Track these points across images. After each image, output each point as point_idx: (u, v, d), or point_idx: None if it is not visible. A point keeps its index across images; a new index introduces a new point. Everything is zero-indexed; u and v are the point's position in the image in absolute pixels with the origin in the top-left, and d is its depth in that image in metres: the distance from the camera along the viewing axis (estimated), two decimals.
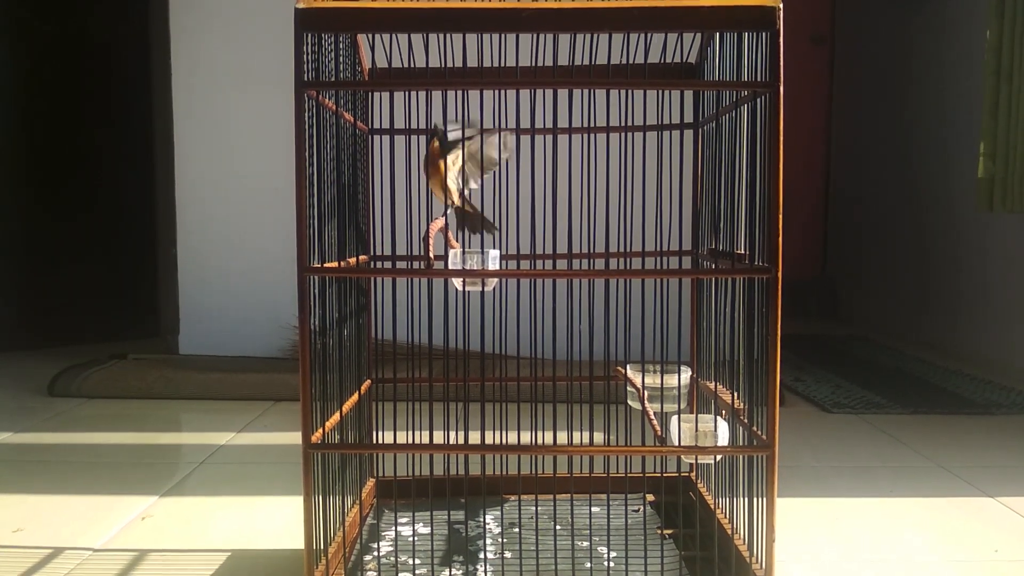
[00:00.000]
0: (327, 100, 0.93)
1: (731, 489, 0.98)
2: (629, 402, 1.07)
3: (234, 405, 1.97)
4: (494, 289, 1.03)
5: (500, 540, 1.07)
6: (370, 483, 1.18)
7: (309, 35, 0.85)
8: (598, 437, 1.36)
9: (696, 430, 0.90)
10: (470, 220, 1.07)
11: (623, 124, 1.06)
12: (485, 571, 0.97)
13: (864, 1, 3.50)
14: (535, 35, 0.93)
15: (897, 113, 3.20)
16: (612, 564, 0.99)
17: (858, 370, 2.44)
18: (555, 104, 0.99)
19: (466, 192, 1.04)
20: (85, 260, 2.83)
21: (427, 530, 1.09)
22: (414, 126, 1.11)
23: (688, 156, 1.12)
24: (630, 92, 1.04)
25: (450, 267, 0.96)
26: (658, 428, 0.98)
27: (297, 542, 1.11)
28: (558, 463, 1.21)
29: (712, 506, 1.08)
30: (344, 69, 0.99)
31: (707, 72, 1.08)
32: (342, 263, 0.98)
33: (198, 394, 2.05)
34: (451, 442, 1.19)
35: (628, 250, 1.09)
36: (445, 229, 1.01)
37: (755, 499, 0.90)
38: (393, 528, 1.09)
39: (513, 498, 1.19)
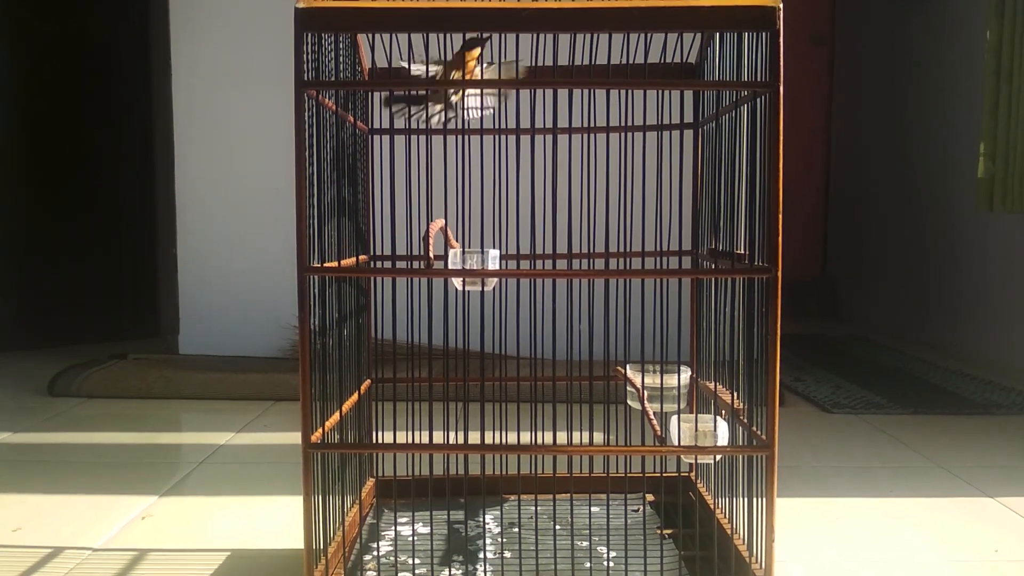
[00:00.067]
0: (327, 100, 0.93)
1: (731, 489, 0.98)
2: (629, 402, 1.07)
3: (234, 405, 1.98)
4: (494, 289, 1.03)
5: (500, 540, 1.07)
6: (370, 483, 1.18)
7: (309, 35, 0.85)
8: (598, 437, 1.36)
9: (696, 430, 0.90)
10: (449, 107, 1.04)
11: (623, 124, 1.06)
12: (485, 571, 0.97)
13: (864, 1, 3.50)
14: (535, 35, 0.93)
15: (897, 113, 3.20)
16: (612, 564, 0.99)
17: (858, 370, 2.44)
18: (555, 104, 0.99)
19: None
20: (85, 260, 2.83)
21: (427, 530, 1.09)
22: (413, 126, 1.11)
23: (688, 156, 1.12)
24: (630, 92, 1.04)
25: (450, 267, 0.96)
26: (658, 428, 0.98)
27: (297, 542, 1.11)
28: (558, 463, 1.21)
29: (712, 506, 1.08)
30: (344, 69, 0.99)
31: (707, 72, 1.08)
32: (342, 263, 0.98)
33: (198, 394, 2.05)
34: (451, 442, 1.19)
35: (628, 250, 1.09)
36: (445, 229, 1.01)
37: (755, 499, 0.90)
38: (393, 528, 1.09)
39: (513, 498, 1.19)
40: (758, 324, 0.87)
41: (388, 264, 1.14)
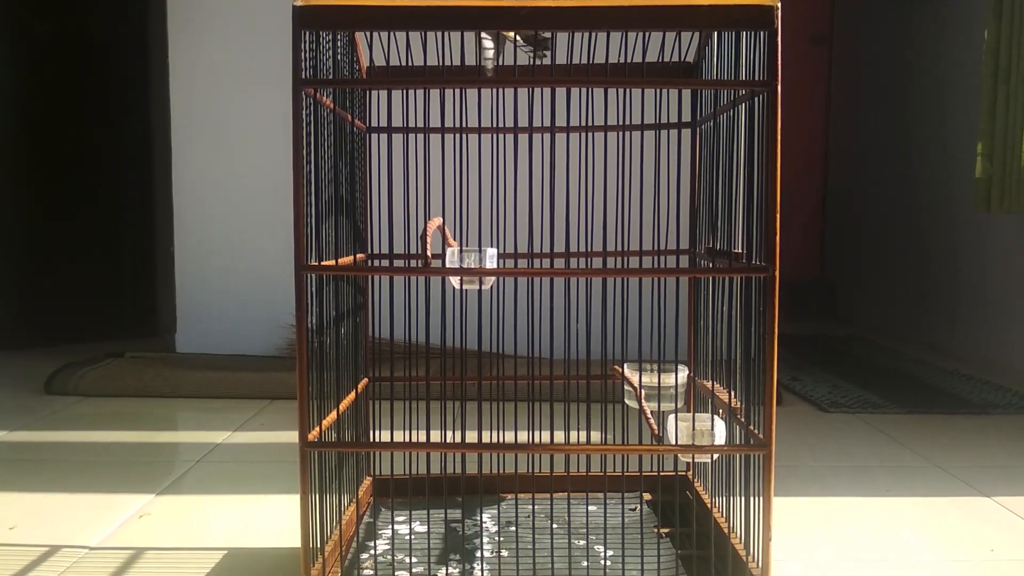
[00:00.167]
0: (325, 98, 0.93)
1: (728, 488, 0.98)
2: (626, 401, 1.07)
3: (231, 403, 1.97)
4: (491, 288, 1.03)
5: (497, 539, 1.07)
6: (367, 481, 1.18)
7: (307, 33, 0.85)
8: (595, 436, 1.36)
9: (693, 429, 0.90)
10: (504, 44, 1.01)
11: (621, 123, 1.06)
12: (482, 570, 0.97)
13: (864, 1, 3.50)
14: (535, 33, 0.93)
15: (896, 113, 3.20)
16: (609, 563, 0.99)
17: (856, 370, 2.44)
18: (553, 103, 0.99)
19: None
20: (83, 259, 2.82)
21: (424, 529, 1.09)
22: (412, 124, 1.11)
23: (686, 155, 1.12)
24: (628, 91, 1.04)
25: (447, 265, 0.96)
26: (655, 427, 0.98)
27: (294, 540, 1.11)
28: (555, 462, 1.21)
29: (709, 505, 1.08)
30: (342, 67, 0.99)
31: (705, 71, 1.08)
32: (339, 261, 0.98)
33: (195, 392, 2.05)
34: (448, 441, 1.19)
35: (626, 249, 1.09)
36: (443, 227, 1.01)
37: (752, 498, 0.90)
38: (390, 526, 1.09)
39: (510, 497, 1.19)
40: (756, 323, 0.87)
41: (386, 262, 1.14)
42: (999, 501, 1.33)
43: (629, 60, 1.04)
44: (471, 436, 1.10)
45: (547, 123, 1.02)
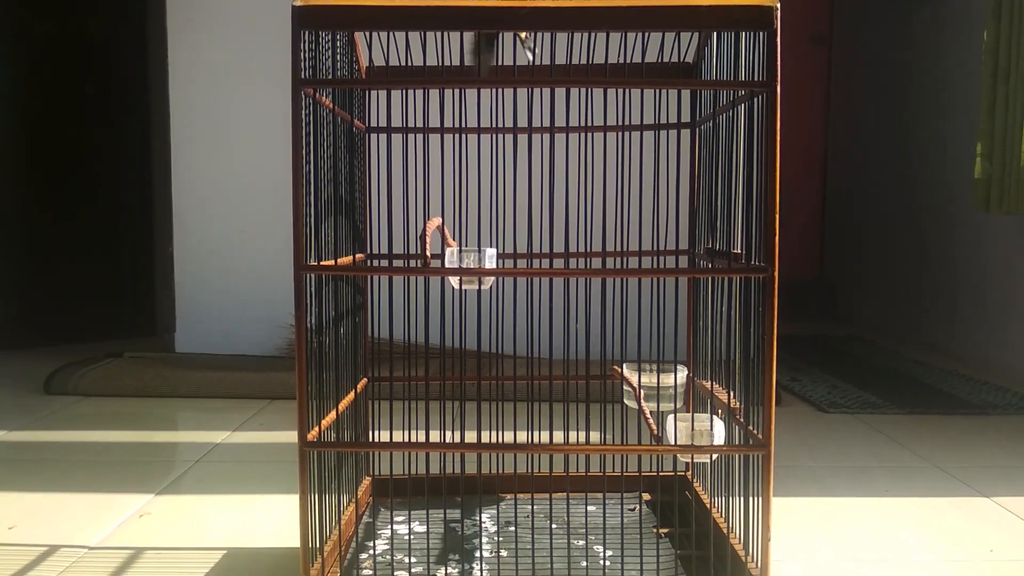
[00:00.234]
0: (324, 98, 0.93)
1: (727, 488, 0.98)
2: (625, 401, 1.07)
3: (230, 403, 1.97)
4: (491, 288, 1.03)
5: (496, 539, 1.07)
6: (366, 481, 1.18)
7: (306, 32, 0.85)
8: (594, 436, 1.36)
9: (692, 429, 0.90)
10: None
11: (620, 123, 1.06)
12: (481, 570, 0.97)
13: (863, 2, 3.50)
14: (533, 33, 0.93)
15: (896, 114, 3.20)
16: (608, 563, 0.99)
17: (855, 370, 2.44)
18: (553, 103, 0.99)
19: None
20: (83, 259, 2.82)
21: (423, 529, 1.09)
22: (411, 124, 1.11)
23: (685, 155, 1.12)
24: (627, 91, 1.04)
25: (447, 265, 0.96)
26: (654, 427, 0.98)
27: (293, 540, 1.11)
28: (554, 462, 1.21)
29: (708, 505, 1.08)
30: (341, 67, 0.99)
31: (705, 71, 1.08)
32: (338, 261, 0.98)
33: (194, 392, 2.05)
34: (447, 441, 1.19)
35: (625, 249, 1.09)
36: (442, 227, 1.01)
37: (751, 498, 0.90)
38: (389, 526, 1.09)
39: (509, 497, 1.19)
40: (755, 323, 0.87)
41: (385, 262, 1.14)
42: (998, 501, 1.33)
43: (628, 60, 1.04)
44: (470, 436, 1.10)
45: (546, 123, 1.02)
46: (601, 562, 1.00)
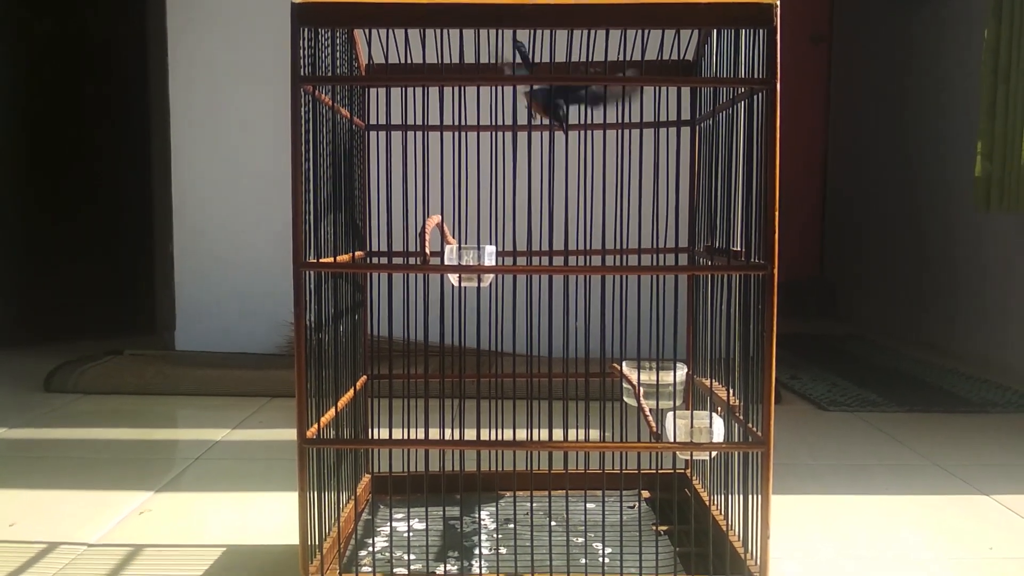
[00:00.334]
0: (324, 95, 0.93)
1: (726, 486, 0.99)
2: (625, 399, 1.07)
3: (230, 401, 1.97)
4: (490, 285, 1.03)
5: (495, 536, 1.07)
6: (365, 479, 1.18)
7: (306, 30, 0.85)
8: (594, 433, 1.36)
9: (691, 427, 0.91)
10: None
11: (620, 121, 1.06)
12: (480, 567, 0.97)
13: (863, 1, 3.50)
14: (533, 31, 0.93)
15: (896, 113, 3.20)
16: (607, 560, 0.99)
17: (855, 369, 2.44)
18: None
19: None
20: (83, 257, 2.82)
21: (422, 526, 1.09)
22: (411, 122, 1.11)
23: (685, 153, 1.12)
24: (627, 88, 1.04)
25: (446, 263, 0.96)
26: (653, 424, 0.98)
27: (292, 537, 1.11)
28: (554, 459, 1.21)
29: (707, 503, 1.08)
30: (341, 64, 0.99)
31: (705, 69, 1.08)
32: (338, 259, 0.98)
33: (194, 390, 2.05)
34: (447, 438, 1.19)
35: (624, 247, 1.09)
36: (441, 225, 1.01)
37: (750, 496, 0.90)
38: (388, 524, 1.09)
39: (508, 494, 1.19)
40: (754, 321, 0.87)
41: (384, 260, 1.14)
42: (998, 499, 1.33)
43: (629, 57, 1.04)
44: (470, 434, 1.10)
45: (546, 121, 1.02)
46: (600, 559, 1.00)
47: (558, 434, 1.08)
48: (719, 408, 0.97)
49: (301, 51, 0.84)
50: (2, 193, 2.66)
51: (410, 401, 1.10)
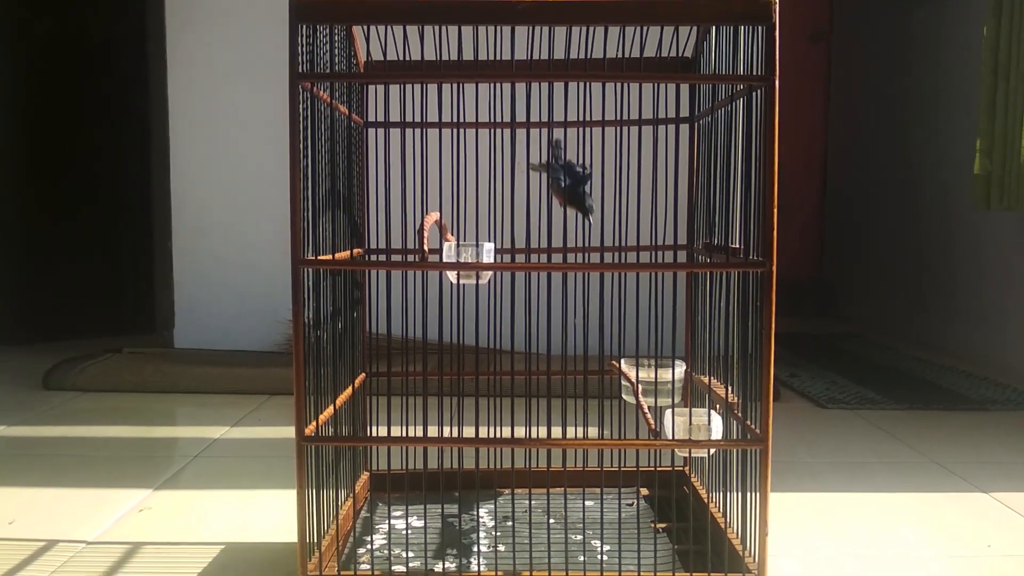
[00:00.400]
0: (322, 92, 0.93)
1: (725, 483, 0.98)
2: (623, 396, 1.07)
3: (229, 399, 1.97)
4: (489, 282, 1.03)
5: (494, 533, 1.07)
6: (364, 476, 1.18)
7: (304, 27, 0.85)
8: (592, 431, 1.36)
9: (690, 424, 0.90)
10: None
11: (619, 118, 1.06)
12: (478, 564, 0.97)
13: None
14: (531, 28, 0.93)
15: (895, 111, 3.20)
16: (605, 557, 0.99)
17: (853, 367, 2.44)
18: (550, 97, 0.99)
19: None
20: (82, 256, 2.82)
21: (421, 523, 1.09)
22: (409, 119, 1.11)
23: (684, 150, 1.12)
24: (626, 86, 1.04)
25: (445, 260, 0.96)
26: (652, 422, 0.98)
27: (291, 535, 1.11)
28: (552, 457, 1.21)
29: (705, 500, 1.08)
30: (339, 61, 0.99)
31: (703, 66, 1.08)
32: (336, 256, 0.98)
33: (193, 388, 2.05)
34: (445, 436, 1.19)
35: (623, 244, 1.09)
36: (440, 222, 1.01)
37: (748, 493, 0.90)
38: (387, 521, 1.09)
39: (507, 492, 1.19)
40: (753, 318, 0.87)
41: (383, 257, 1.13)
42: (996, 497, 1.33)
43: (627, 55, 1.04)
44: (468, 431, 1.10)
45: (545, 118, 1.02)
46: (599, 557, 1.00)
47: (557, 432, 1.08)
48: (718, 405, 0.97)
49: (299, 48, 0.84)
50: (2, 193, 2.66)
51: (409, 399, 1.10)
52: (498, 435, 1.13)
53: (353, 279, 1.10)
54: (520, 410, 1.12)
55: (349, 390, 1.05)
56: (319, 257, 0.92)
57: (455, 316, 1.01)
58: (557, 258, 1.13)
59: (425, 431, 1.02)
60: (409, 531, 1.06)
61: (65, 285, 2.77)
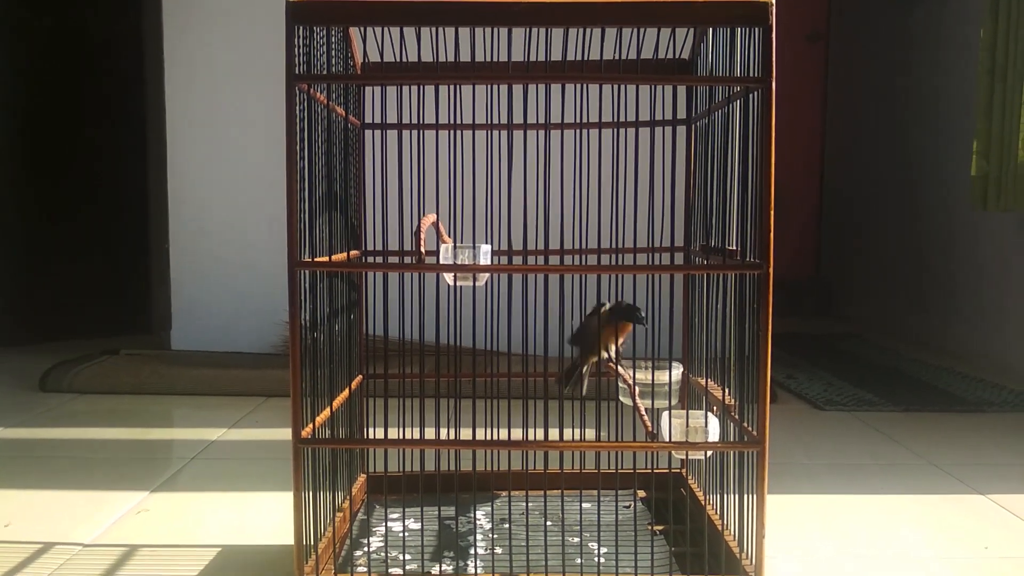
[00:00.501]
0: (319, 94, 0.93)
1: (722, 485, 0.98)
2: (620, 398, 1.07)
3: (226, 401, 1.97)
4: (486, 284, 1.03)
5: (491, 536, 1.07)
6: (361, 479, 1.18)
7: (301, 28, 0.85)
8: (589, 433, 1.36)
9: (687, 426, 0.90)
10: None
11: (615, 120, 1.06)
12: (475, 566, 0.97)
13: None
14: (528, 29, 0.93)
15: (893, 112, 3.20)
16: (602, 560, 0.99)
17: (851, 368, 2.44)
18: (548, 99, 0.99)
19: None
20: (80, 257, 2.82)
21: (418, 526, 1.09)
22: (406, 121, 1.11)
23: (681, 152, 1.12)
24: (623, 87, 1.04)
25: (441, 262, 0.96)
26: (649, 424, 0.98)
27: (288, 537, 1.10)
28: (549, 459, 1.21)
29: (703, 502, 1.08)
30: (336, 63, 0.99)
31: (700, 68, 1.08)
32: (333, 258, 0.98)
33: (190, 389, 2.05)
34: (442, 438, 1.19)
35: (620, 246, 1.09)
36: (437, 224, 1.01)
37: (745, 495, 0.90)
38: (383, 523, 1.09)
39: (504, 494, 1.19)
40: (750, 320, 0.87)
41: (380, 259, 1.13)
42: (993, 498, 1.33)
43: (624, 56, 1.04)
44: (465, 433, 1.10)
45: (542, 120, 1.02)
46: (596, 559, 1.00)
47: (554, 434, 1.08)
48: (715, 407, 0.97)
49: (296, 49, 0.84)
50: (1, 193, 2.65)
51: (406, 401, 1.09)
52: (495, 437, 1.13)
53: (350, 281, 1.10)
54: (517, 412, 1.12)
55: (346, 392, 1.05)
56: (316, 259, 0.92)
57: (452, 318, 1.01)
58: (554, 260, 1.13)
59: (422, 433, 1.02)
60: (406, 533, 1.06)
61: (64, 285, 2.77)
